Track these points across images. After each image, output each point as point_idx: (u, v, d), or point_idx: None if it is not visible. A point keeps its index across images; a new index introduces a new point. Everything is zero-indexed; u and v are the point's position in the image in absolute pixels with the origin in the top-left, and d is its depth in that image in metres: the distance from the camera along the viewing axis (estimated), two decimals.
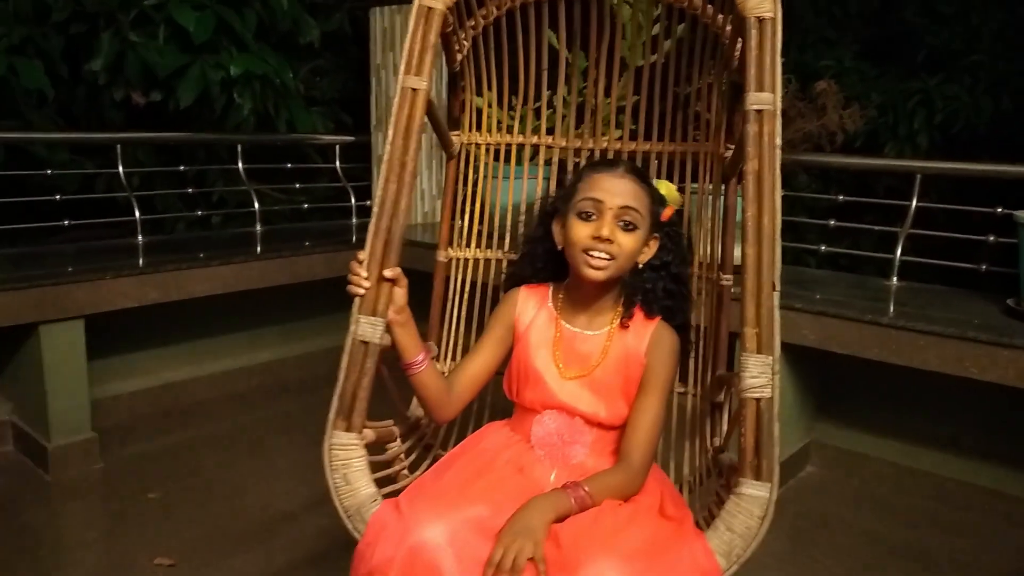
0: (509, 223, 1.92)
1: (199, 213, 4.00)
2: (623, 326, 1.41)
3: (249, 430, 3.05)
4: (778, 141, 1.25)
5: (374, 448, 1.41)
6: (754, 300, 1.22)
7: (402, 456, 1.53)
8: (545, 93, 1.87)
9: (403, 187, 1.33)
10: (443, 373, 1.59)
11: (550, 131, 1.91)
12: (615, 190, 1.34)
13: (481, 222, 1.91)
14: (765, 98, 1.25)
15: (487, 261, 1.90)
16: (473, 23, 1.71)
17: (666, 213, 1.44)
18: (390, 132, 1.35)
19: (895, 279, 2.87)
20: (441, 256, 1.90)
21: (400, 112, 1.36)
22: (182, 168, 3.85)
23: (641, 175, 1.41)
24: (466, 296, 1.86)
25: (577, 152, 1.89)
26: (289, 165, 4.17)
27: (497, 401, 1.66)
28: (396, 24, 3.99)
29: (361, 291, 1.31)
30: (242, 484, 2.58)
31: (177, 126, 3.92)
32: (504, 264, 1.88)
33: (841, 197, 3.17)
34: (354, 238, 3.82)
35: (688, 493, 1.56)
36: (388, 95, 4.10)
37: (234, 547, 2.20)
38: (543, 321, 1.45)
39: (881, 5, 4.81)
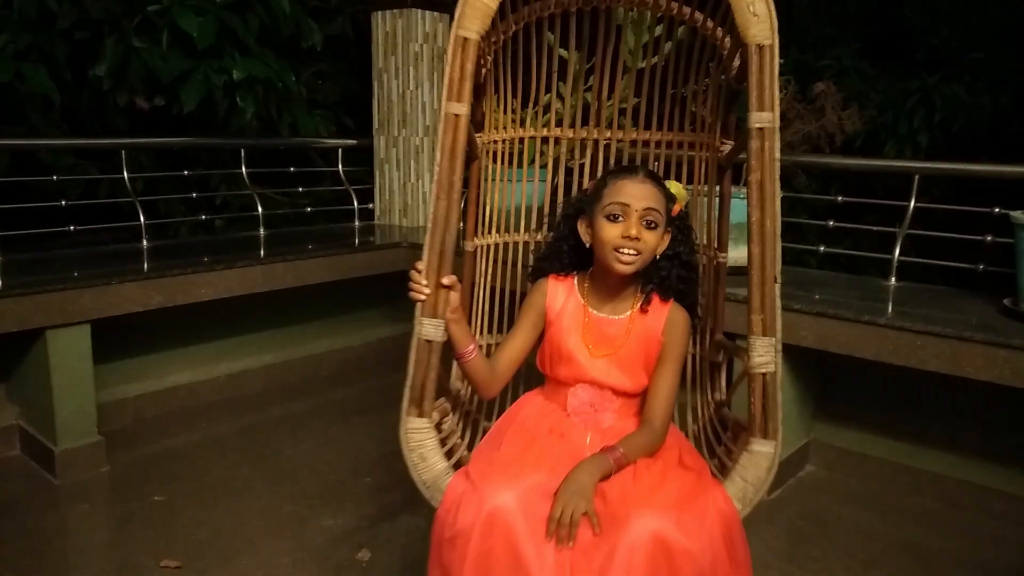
0: (523, 212, 2.12)
1: (203, 217, 4.03)
2: (643, 311, 1.63)
3: (254, 432, 3.07)
4: (777, 155, 1.44)
5: None
6: (759, 291, 1.44)
7: (456, 430, 1.73)
8: (555, 91, 2.02)
9: (452, 204, 1.50)
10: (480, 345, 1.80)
11: (559, 124, 2.08)
12: (639, 194, 1.54)
13: (498, 212, 2.10)
14: (766, 117, 1.44)
15: (506, 244, 2.10)
16: (495, 39, 1.81)
17: (676, 209, 1.64)
18: (437, 155, 1.50)
19: (893, 279, 2.88)
20: (468, 246, 2.03)
21: (445, 136, 1.50)
22: (186, 173, 3.87)
23: (656, 178, 1.61)
24: (489, 276, 2.06)
25: (583, 143, 2.07)
26: (292, 169, 4.20)
27: (527, 374, 1.88)
28: (398, 28, 4.02)
29: (422, 297, 1.50)
30: (248, 486, 2.60)
31: (180, 130, 3.94)
32: (520, 245, 2.09)
33: (840, 198, 3.18)
34: (356, 241, 3.85)
35: (694, 440, 1.78)
36: (390, 99, 4.13)
37: (239, 549, 2.23)
38: (572, 308, 1.66)
39: (880, 4, 4.82)
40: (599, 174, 1.89)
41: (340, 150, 4.30)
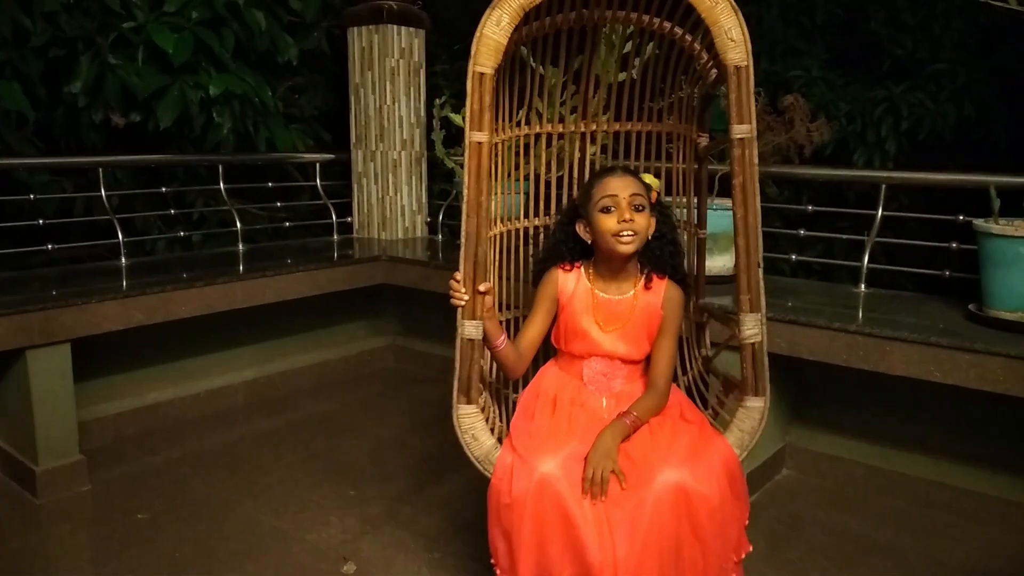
0: (523, 204, 2.31)
1: (181, 233, 4.01)
2: (647, 287, 1.90)
3: (235, 448, 3.07)
4: (755, 160, 1.68)
5: None
6: (745, 274, 1.72)
7: (492, 405, 1.99)
8: (546, 98, 2.20)
9: (481, 221, 1.72)
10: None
11: (550, 121, 2.27)
12: (623, 185, 1.81)
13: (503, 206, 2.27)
14: (744, 128, 1.66)
15: (510, 232, 2.27)
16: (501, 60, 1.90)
17: (652, 195, 1.90)
18: (465, 178, 1.71)
19: (863, 286, 2.95)
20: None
21: (471, 162, 1.70)
22: (164, 189, 3.86)
23: (633, 172, 1.89)
24: (499, 259, 2.22)
25: (571, 136, 2.28)
26: (270, 184, 4.19)
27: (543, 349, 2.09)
28: (374, 43, 4.05)
29: (462, 303, 1.74)
30: (230, 502, 2.61)
31: (157, 146, 3.93)
32: (521, 231, 2.27)
33: (810, 208, 3.26)
34: (336, 255, 3.86)
35: (686, 390, 2.07)
36: (367, 113, 4.16)
37: (223, 565, 2.23)
38: (582, 292, 1.92)
39: (847, 15, 4.92)
40: (587, 165, 2.24)
41: (318, 164, 4.32)
